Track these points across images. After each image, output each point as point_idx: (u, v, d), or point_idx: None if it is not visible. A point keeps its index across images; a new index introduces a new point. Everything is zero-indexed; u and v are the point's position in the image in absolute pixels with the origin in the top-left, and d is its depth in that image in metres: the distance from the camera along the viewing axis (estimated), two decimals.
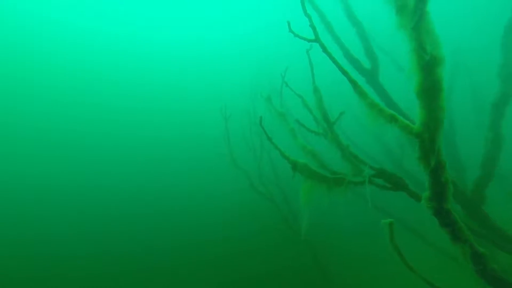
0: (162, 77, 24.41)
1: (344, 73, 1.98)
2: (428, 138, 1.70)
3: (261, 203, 6.10)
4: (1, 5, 20.08)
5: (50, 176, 16.33)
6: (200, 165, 14.56)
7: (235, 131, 6.46)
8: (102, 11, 23.82)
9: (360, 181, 3.23)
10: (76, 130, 19.60)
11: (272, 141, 2.83)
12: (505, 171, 5.35)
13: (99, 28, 24.19)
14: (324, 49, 2.03)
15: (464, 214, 4.16)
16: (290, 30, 2.25)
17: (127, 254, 9.35)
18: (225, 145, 5.96)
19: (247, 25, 24.70)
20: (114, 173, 16.77)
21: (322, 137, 3.25)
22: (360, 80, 4.14)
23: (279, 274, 6.44)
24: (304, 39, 2.12)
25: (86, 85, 22.21)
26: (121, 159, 17.99)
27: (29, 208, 13.63)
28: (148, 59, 25.19)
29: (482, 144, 4.35)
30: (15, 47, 21.02)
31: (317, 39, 2.07)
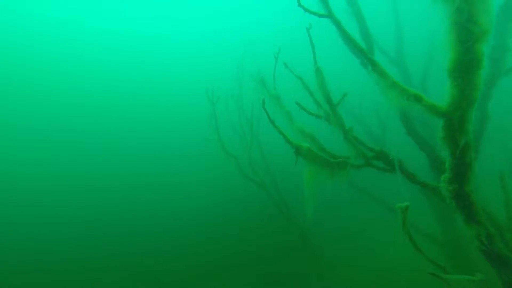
0: (142, 59, 23.11)
1: (362, 51, 1.84)
2: (458, 117, 1.62)
3: (251, 189, 6.01)
4: None
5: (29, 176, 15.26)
6: (186, 151, 14.12)
7: (220, 115, 6.22)
8: (79, 4, 21.98)
9: (361, 164, 3.19)
10: (51, 124, 18.28)
11: (274, 125, 2.66)
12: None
13: (77, 21, 22.41)
14: (338, 26, 1.87)
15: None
16: (300, 4, 2.05)
17: (111, 237, 9.04)
18: (212, 130, 5.72)
19: (232, 7, 23.78)
20: (96, 162, 15.91)
21: (323, 120, 3.14)
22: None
23: (269, 259, 6.51)
24: (316, 14, 1.94)
25: (66, 79, 20.65)
26: (102, 146, 17.04)
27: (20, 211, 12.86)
28: (126, 43, 23.73)
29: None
30: None
31: (330, 15, 1.89)
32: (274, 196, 5.84)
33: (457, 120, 1.65)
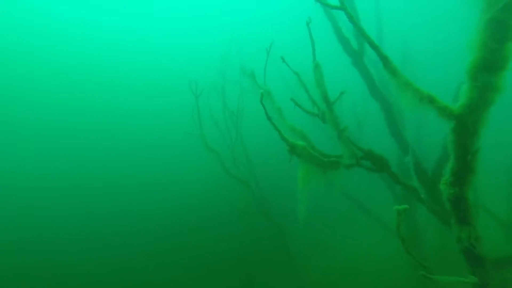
0: (121, 53, 21.74)
1: (375, 47, 1.75)
2: (473, 120, 1.59)
3: (233, 187, 5.85)
4: None
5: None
6: (168, 146, 13.46)
7: (203, 109, 5.96)
8: None
9: (352, 164, 3.16)
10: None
11: (271, 121, 2.52)
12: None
13: (58, 13, 20.54)
14: (351, 19, 1.77)
15: (424, 192, 4.46)
16: None
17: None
18: (195, 124, 5.45)
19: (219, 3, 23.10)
20: (79, 158, 14.70)
21: (317, 118, 3.07)
22: (348, 60, 4.03)
23: (248, 257, 6.43)
24: (328, 5, 1.82)
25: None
26: (83, 142, 15.73)
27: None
28: (108, 37, 22.23)
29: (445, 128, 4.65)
30: None
31: (343, 7, 1.78)
32: (256, 193, 5.72)
33: (471, 123, 1.61)
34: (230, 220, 7.10)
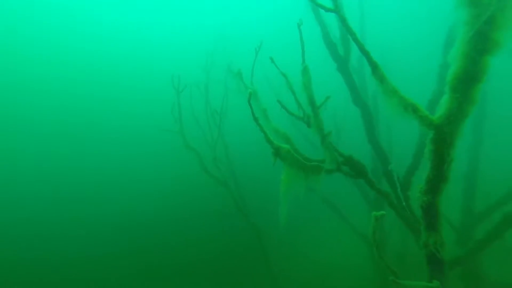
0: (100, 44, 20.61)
1: (365, 52, 1.78)
2: (450, 131, 1.65)
3: (211, 187, 5.74)
4: None
5: None
6: (145, 143, 12.90)
7: (183, 107, 5.80)
8: None
9: (333, 169, 3.20)
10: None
11: (258, 122, 2.49)
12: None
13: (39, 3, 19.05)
14: (344, 22, 1.79)
15: (394, 197, 4.65)
16: None
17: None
18: (175, 121, 5.28)
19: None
20: (50, 153, 13.65)
21: (302, 121, 3.08)
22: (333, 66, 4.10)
23: (223, 257, 6.36)
24: (323, 7, 1.83)
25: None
26: (56, 136, 14.62)
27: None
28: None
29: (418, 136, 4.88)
30: None
31: (337, 10, 1.80)
32: (234, 194, 5.66)
33: (448, 134, 1.68)
34: (206, 220, 6.98)
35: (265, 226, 6.50)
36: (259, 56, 3.70)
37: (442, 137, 1.70)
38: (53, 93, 16.94)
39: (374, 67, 1.78)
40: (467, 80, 1.46)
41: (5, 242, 9.11)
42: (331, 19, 3.55)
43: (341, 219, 6.95)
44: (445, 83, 1.53)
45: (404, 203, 4.37)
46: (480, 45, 1.33)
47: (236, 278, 6.73)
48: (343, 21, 1.79)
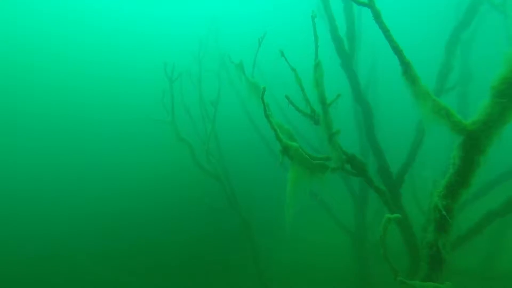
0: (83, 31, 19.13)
1: (398, 52, 1.67)
2: (485, 137, 1.59)
3: (203, 181, 5.54)
4: None
5: None
6: (135, 133, 12.20)
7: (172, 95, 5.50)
8: None
9: (337, 167, 3.13)
10: None
11: (269, 119, 2.34)
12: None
13: None
14: (378, 18, 1.66)
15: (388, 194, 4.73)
16: None
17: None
18: (166, 111, 4.99)
19: None
20: (32, 148, 12.55)
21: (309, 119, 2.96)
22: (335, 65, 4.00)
23: (211, 251, 6.27)
24: (355, 1, 1.69)
25: None
26: (39, 131, 13.45)
27: None
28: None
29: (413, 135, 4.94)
30: None
31: (371, 4, 1.67)
32: (226, 188, 5.51)
33: (483, 140, 1.62)
34: (196, 214, 6.82)
35: (255, 221, 6.44)
36: (251, 49, 3.52)
37: (475, 144, 1.63)
38: (33, 85, 15.70)
39: (407, 67, 1.67)
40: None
41: None
42: (339, 13, 3.42)
43: (327, 212, 7.06)
44: (490, 88, 1.45)
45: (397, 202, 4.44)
46: None
47: (222, 275, 6.66)
48: (377, 16, 1.67)
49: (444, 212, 2.17)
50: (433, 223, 2.25)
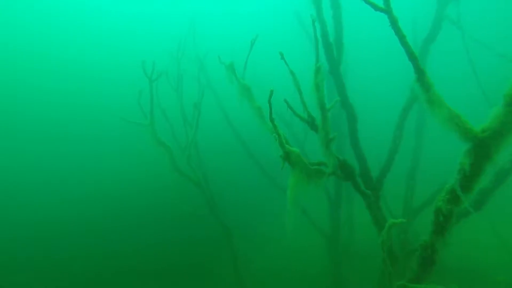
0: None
1: (414, 59, 1.68)
2: (495, 145, 1.65)
3: (182, 186, 5.26)
4: None
5: None
6: (110, 136, 11.21)
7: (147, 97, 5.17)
8: None
9: (331, 173, 3.14)
10: None
11: (273, 123, 2.25)
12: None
13: None
14: (394, 24, 1.66)
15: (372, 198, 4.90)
16: None
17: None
18: (144, 113, 4.65)
19: None
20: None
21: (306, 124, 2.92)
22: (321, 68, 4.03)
23: (191, 257, 6.04)
24: (373, 6, 1.67)
25: None
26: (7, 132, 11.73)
27: None
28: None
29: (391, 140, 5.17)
30: None
31: (388, 10, 1.66)
32: (206, 194, 5.29)
33: (493, 148, 1.67)
34: (175, 220, 6.51)
35: (235, 227, 6.30)
36: (235, 50, 3.43)
37: (485, 151, 1.68)
38: (10, 84, 13.92)
39: (421, 74, 1.69)
40: None
41: None
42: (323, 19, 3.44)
43: (303, 214, 7.16)
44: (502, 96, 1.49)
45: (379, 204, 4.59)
46: None
47: (201, 280, 6.43)
48: (394, 22, 1.66)
49: (444, 217, 2.22)
50: (433, 226, 2.31)
